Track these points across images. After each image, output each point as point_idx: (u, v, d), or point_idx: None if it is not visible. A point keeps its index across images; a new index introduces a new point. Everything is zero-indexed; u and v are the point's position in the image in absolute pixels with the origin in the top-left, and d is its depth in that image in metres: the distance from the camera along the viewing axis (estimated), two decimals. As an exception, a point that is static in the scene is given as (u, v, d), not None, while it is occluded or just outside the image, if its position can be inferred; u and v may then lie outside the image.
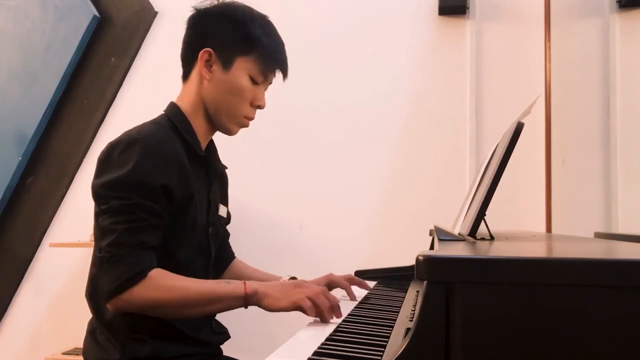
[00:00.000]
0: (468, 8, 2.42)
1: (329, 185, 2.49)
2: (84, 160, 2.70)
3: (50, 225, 2.72)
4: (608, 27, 2.32)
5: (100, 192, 1.17)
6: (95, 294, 1.24)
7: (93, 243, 1.27)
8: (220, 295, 1.14)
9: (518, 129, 1.00)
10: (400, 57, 2.49)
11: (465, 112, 2.41)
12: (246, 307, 1.15)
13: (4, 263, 2.75)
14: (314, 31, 2.54)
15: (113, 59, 2.71)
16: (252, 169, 2.51)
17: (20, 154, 2.73)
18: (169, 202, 1.19)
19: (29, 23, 2.79)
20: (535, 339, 0.58)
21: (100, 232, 1.16)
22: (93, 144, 2.70)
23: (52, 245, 2.57)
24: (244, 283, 1.14)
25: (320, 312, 1.07)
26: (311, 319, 1.09)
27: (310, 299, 1.07)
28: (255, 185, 2.50)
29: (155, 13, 2.69)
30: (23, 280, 2.72)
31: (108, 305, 1.13)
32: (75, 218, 2.67)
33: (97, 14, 2.72)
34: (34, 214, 2.74)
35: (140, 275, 1.10)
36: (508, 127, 1.14)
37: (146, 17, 2.69)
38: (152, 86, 2.59)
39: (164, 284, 1.12)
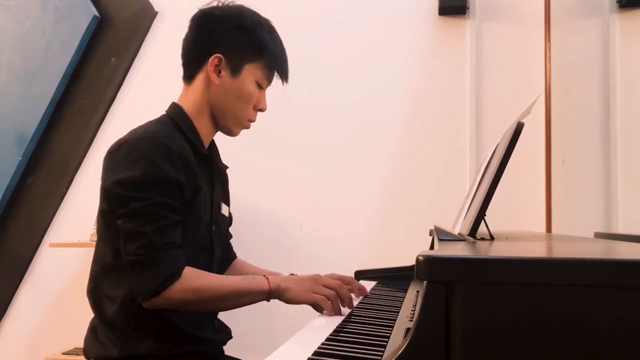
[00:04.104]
0: (468, 8, 2.42)
1: (329, 185, 2.49)
2: (84, 160, 2.70)
3: (50, 225, 2.71)
4: (608, 27, 2.32)
5: (116, 192, 1.17)
6: (97, 292, 1.25)
7: (94, 243, 1.27)
8: (248, 290, 1.19)
9: (518, 129, 1.00)
10: (400, 57, 2.49)
11: (465, 112, 2.41)
12: (268, 300, 1.20)
13: (4, 263, 2.75)
14: (314, 31, 2.54)
15: (113, 59, 2.71)
16: (252, 168, 2.51)
17: (20, 154, 2.73)
18: (182, 197, 1.20)
19: (29, 23, 2.79)
20: (535, 339, 0.58)
21: (124, 235, 1.16)
22: (93, 144, 2.70)
23: (52, 245, 2.57)
24: (267, 278, 1.20)
25: (342, 301, 1.15)
26: (315, 315, 1.12)
27: (333, 290, 1.15)
28: (255, 184, 2.50)
29: (155, 13, 2.69)
30: (23, 280, 2.72)
31: (144, 305, 1.15)
32: (75, 218, 2.67)
33: (97, 14, 2.72)
34: (34, 214, 2.74)
35: (176, 274, 1.14)
36: (508, 127, 1.14)
37: (146, 17, 2.69)
38: (152, 86, 2.59)
39: (198, 282, 1.17)
